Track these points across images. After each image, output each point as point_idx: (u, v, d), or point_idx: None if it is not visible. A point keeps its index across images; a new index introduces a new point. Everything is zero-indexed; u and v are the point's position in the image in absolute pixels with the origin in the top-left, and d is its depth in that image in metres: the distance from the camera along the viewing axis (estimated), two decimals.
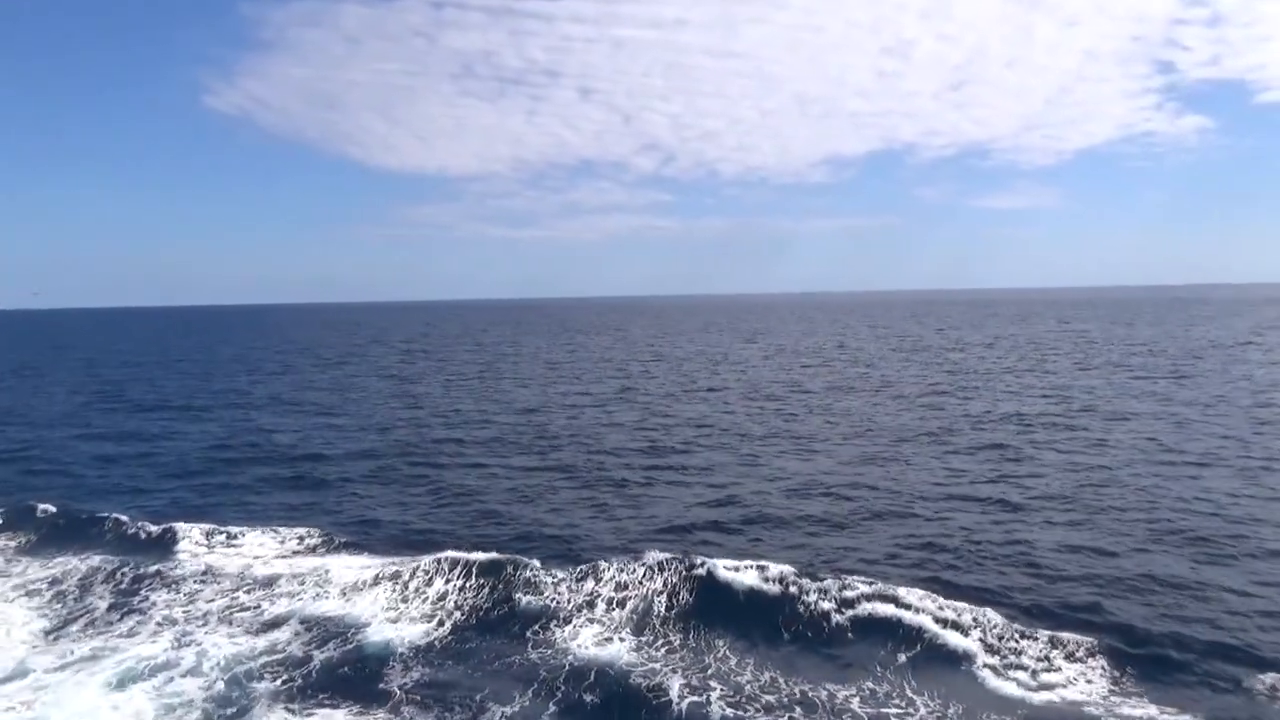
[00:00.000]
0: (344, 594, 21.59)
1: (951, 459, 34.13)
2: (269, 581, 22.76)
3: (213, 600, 21.47)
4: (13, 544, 27.22)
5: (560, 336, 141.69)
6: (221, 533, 27.05)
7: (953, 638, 17.97)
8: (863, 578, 20.64)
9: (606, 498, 30.62)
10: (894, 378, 62.69)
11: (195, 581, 22.85)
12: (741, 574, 21.22)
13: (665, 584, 20.83)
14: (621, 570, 21.49)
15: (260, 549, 25.65)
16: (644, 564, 21.60)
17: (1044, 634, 17.92)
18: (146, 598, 21.58)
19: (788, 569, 21.11)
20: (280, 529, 27.47)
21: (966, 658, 17.34)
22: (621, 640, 18.71)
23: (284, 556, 24.72)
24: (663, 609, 20.00)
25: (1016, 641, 17.79)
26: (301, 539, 26.42)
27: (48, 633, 19.97)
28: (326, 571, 23.00)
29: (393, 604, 21.04)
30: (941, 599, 19.35)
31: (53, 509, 29.53)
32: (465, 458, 37.90)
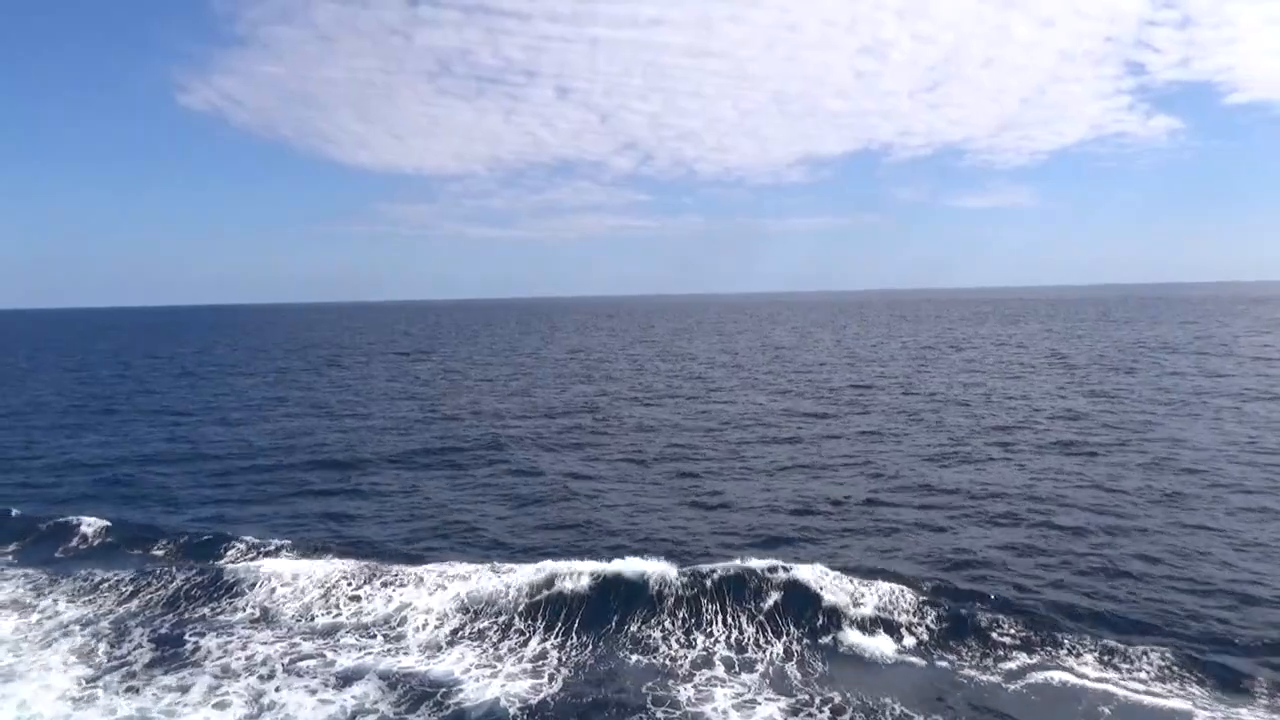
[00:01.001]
0: (422, 639, 19.27)
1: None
2: (330, 616, 20.43)
3: (270, 644, 18.95)
4: (40, 566, 24.76)
5: (584, 333, 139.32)
6: (263, 550, 24.76)
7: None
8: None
9: (678, 505, 28.96)
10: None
11: (248, 619, 20.39)
12: (864, 607, 19.37)
13: (789, 628, 18.92)
14: (736, 608, 19.55)
15: (309, 568, 23.22)
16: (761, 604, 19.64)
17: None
18: (196, 643, 18.98)
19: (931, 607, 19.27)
20: (326, 545, 25.43)
21: None
22: (764, 704, 16.43)
23: (344, 581, 22.24)
24: (798, 658, 18.03)
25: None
26: (351, 555, 24.22)
27: (87, 683, 17.46)
28: (398, 609, 20.65)
29: (482, 649, 18.76)
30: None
31: (73, 522, 27.54)
32: (518, 460, 36.19)
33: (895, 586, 20.53)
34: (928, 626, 19.08)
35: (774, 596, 20.20)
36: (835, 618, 19.44)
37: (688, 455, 37.07)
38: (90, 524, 28.01)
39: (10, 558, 26.10)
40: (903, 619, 19.39)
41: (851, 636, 18.86)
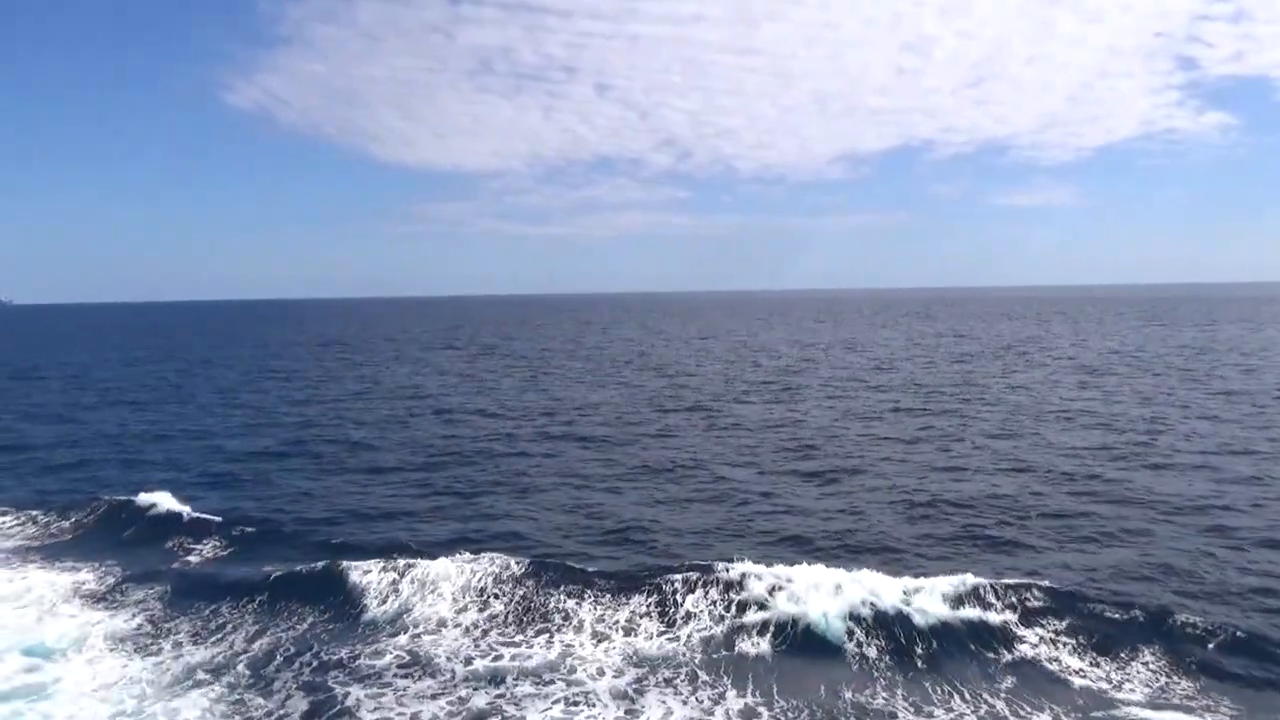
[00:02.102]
0: (605, 687, 16.51)
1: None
2: (489, 659, 17.74)
3: (435, 698, 16.22)
4: (154, 578, 22.59)
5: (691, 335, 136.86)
6: (391, 567, 22.18)
7: None
8: None
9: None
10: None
11: (396, 663, 17.68)
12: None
13: None
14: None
15: (451, 591, 20.84)
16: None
17: None
18: (346, 694, 16.42)
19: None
20: (464, 557, 22.75)
21: None
22: None
23: (497, 609, 19.71)
24: None
25: None
26: (498, 577, 21.59)
27: None
28: (561, 655, 17.97)
29: (682, 698, 15.99)
30: None
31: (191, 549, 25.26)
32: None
33: None
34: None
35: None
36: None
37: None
38: (201, 518, 27.44)
39: (119, 558, 24.37)
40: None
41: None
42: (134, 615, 20.25)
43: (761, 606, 19.69)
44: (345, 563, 22.58)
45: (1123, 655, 17.53)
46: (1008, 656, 17.56)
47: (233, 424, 47.40)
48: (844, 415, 46.65)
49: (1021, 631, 18.50)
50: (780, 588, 20.12)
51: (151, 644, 18.79)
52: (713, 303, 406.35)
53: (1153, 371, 63.92)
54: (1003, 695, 16.11)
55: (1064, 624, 18.73)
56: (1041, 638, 18.28)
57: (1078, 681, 16.65)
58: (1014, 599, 19.62)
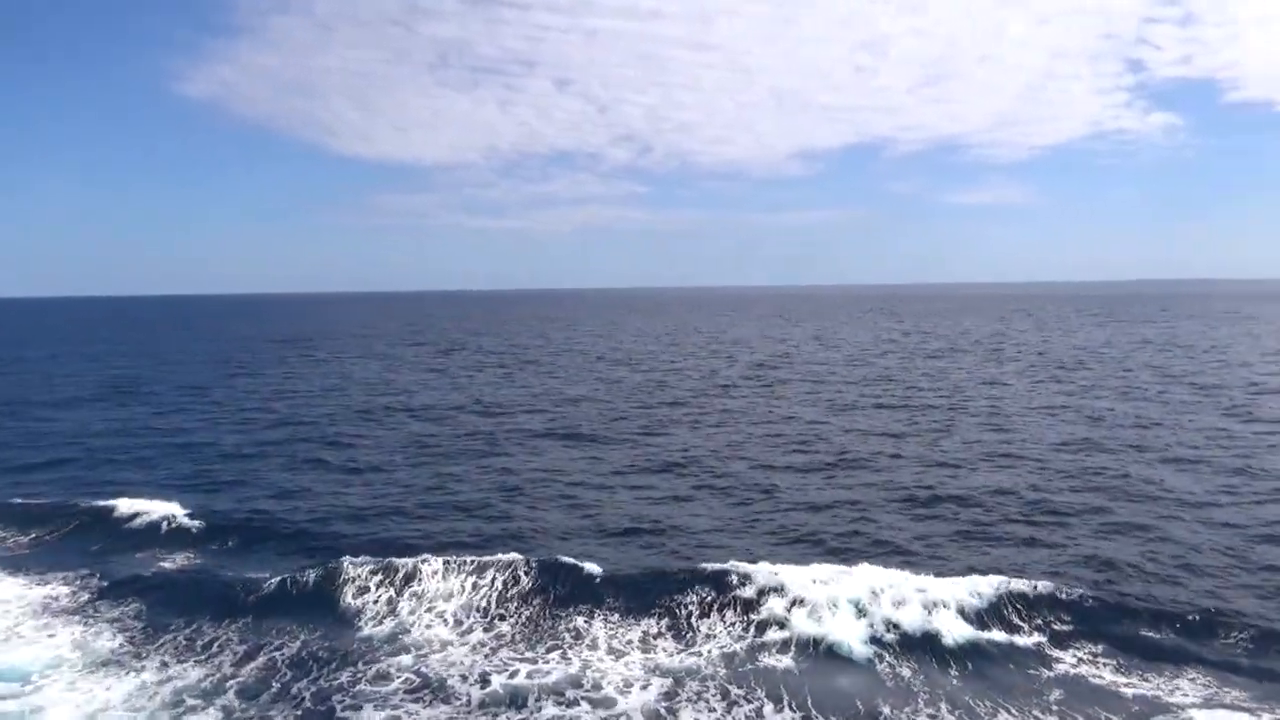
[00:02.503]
0: (635, 703, 15.51)
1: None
2: (507, 676, 16.61)
3: None
4: (133, 591, 21.11)
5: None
6: (388, 580, 21.01)
7: None
8: None
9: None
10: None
11: (405, 687, 16.40)
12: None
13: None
14: None
15: (453, 605, 19.80)
16: None
17: None
18: None
19: None
20: (462, 562, 21.65)
21: None
22: None
23: (502, 627, 18.61)
24: None
25: None
26: (499, 582, 20.62)
27: None
28: (580, 668, 16.93)
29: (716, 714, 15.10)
30: None
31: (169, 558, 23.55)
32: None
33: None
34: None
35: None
36: None
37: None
38: (179, 523, 26.14)
39: (93, 568, 22.67)
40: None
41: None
42: (113, 633, 18.80)
43: (780, 612, 18.97)
44: (337, 571, 21.35)
45: (1162, 656, 17.09)
46: (1047, 670, 16.92)
47: (203, 422, 45.48)
48: (829, 410, 46.20)
49: (1055, 637, 17.95)
50: (797, 593, 19.43)
51: (134, 665, 17.36)
52: (675, 298, 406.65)
53: (1124, 366, 64.52)
54: (1052, 708, 15.42)
55: (1093, 624, 18.35)
56: (1073, 640, 17.77)
57: (1122, 684, 16.06)
58: (1040, 603, 19.13)
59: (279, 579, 21.39)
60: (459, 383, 61.93)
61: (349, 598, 20.45)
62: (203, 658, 17.81)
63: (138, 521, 26.20)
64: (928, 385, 55.64)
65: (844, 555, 22.57)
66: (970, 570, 20.97)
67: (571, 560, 21.88)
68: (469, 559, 21.96)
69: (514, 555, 22.06)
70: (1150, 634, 18.00)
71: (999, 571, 20.78)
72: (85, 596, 20.82)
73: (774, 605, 19.21)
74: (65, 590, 21.21)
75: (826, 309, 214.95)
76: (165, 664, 17.40)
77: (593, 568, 21.47)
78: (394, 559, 22.11)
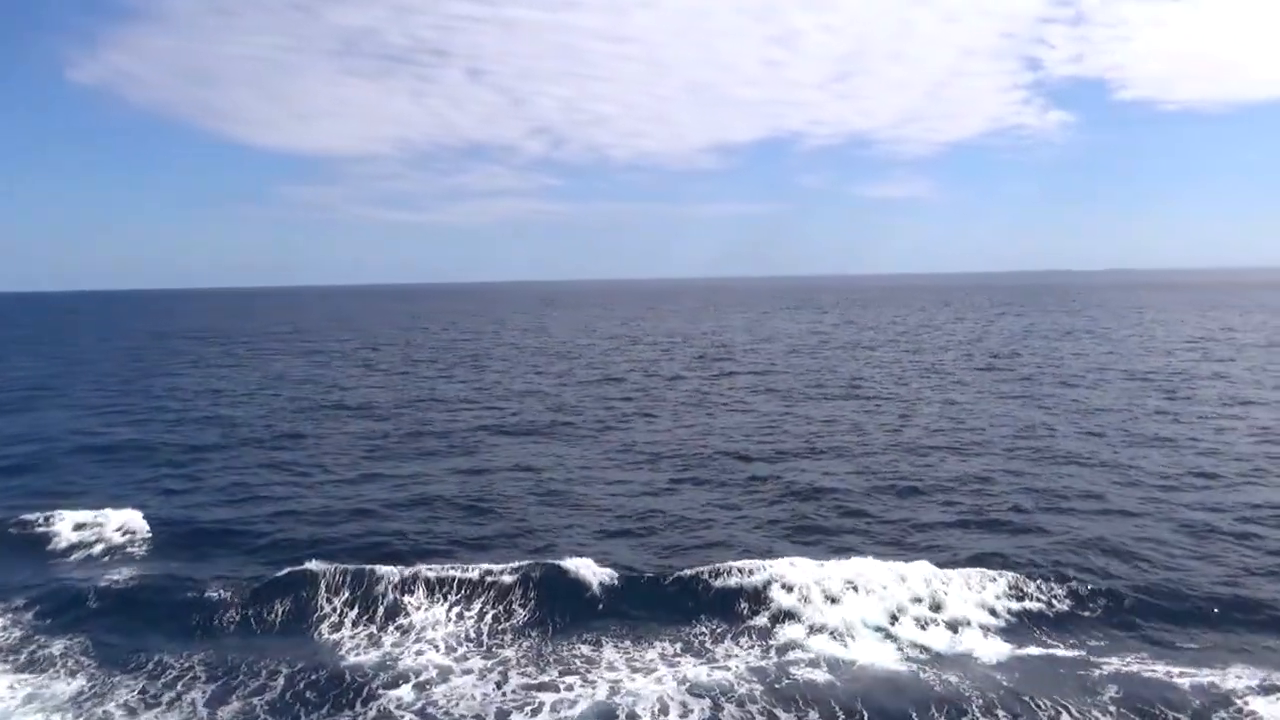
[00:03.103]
0: None
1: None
2: (527, 715, 15.15)
3: None
4: (81, 616, 18.82)
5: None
6: (365, 591, 19.33)
7: None
8: None
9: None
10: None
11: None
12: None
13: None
14: None
15: (442, 631, 18.16)
16: None
17: None
18: None
19: None
20: (443, 570, 20.22)
21: None
22: None
23: (502, 639, 17.07)
24: None
25: None
26: (485, 590, 19.28)
27: None
28: (609, 693, 15.53)
29: None
30: None
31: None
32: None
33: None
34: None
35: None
36: None
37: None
38: (117, 539, 23.68)
39: (28, 596, 19.99)
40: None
41: None
42: (65, 676, 16.44)
43: (802, 612, 18.18)
44: (308, 584, 19.66)
45: (1195, 640, 16.88)
46: (1102, 666, 16.34)
47: (131, 424, 42.04)
48: (786, 399, 45.77)
49: (1084, 627, 17.52)
50: (813, 589, 18.69)
51: (94, 713, 15.18)
52: (597, 291, 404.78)
53: (1056, 355, 66.25)
54: (1109, 710, 14.78)
55: (1119, 614, 18.11)
56: (1104, 630, 17.35)
57: (1175, 674, 15.50)
58: (1060, 590, 18.81)
59: (243, 598, 19.41)
60: (394, 379, 59.29)
61: (325, 615, 18.65)
62: (171, 696, 15.71)
63: (77, 536, 23.57)
64: (876, 375, 55.85)
65: (839, 544, 22.08)
66: (976, 560, 20.57)
67: (565, 565, 20.45)
68: (454, 570, 20.37)
69: (505, 565, 20.54)
70: (1177, 619, 17.86)
71: (1000, 556, 20.70)
72: (23, 632, 18.32)
73: (792, 604, 18.39)
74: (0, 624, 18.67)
75: (751, 301, 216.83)
76: (132, 709, 15.24)
77: (587, 573, 20.12)
78: (370, 567, 20.35)
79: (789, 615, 18.26)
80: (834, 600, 18.51)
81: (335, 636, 18.23)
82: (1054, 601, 18.65)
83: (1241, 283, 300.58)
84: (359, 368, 67.41)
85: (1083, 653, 16.72)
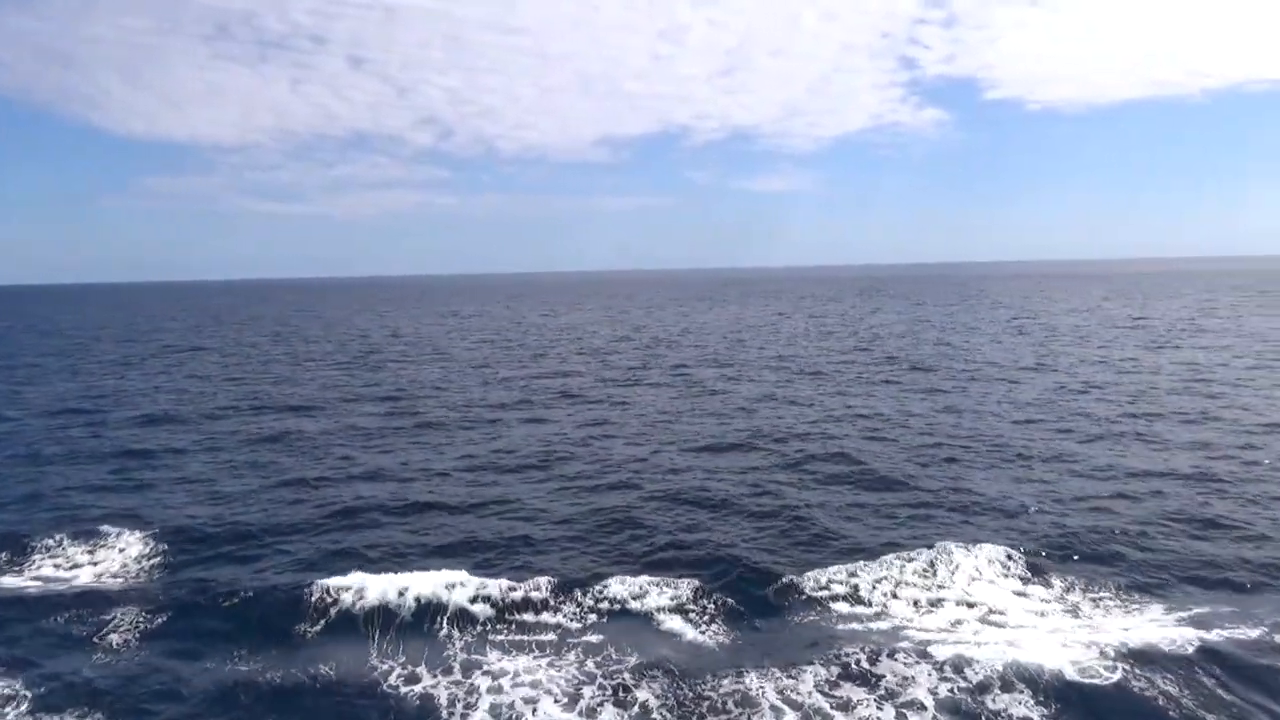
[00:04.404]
0: None
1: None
2: None
3: None
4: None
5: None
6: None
7: None
8: None
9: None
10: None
11: None
12: None
13: None
14: None
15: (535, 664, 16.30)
16: None
17: None
18: None
19: None
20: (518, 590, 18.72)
21: None
22: None
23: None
24: None
25: None
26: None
27: None
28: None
29: None
30: None
31: None
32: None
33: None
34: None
35: None
36: None
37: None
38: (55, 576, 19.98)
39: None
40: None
41: None
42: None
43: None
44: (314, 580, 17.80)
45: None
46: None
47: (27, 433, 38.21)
48: (743, 400, 45.70)
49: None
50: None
51: None
52: (492, 286, 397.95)
53: (985, 344, 68.86)
54: None
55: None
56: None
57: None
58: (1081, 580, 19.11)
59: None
60: (323, 376, 56.38)
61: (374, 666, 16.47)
62: None
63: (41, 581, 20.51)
64: (830, 368, 56.62)
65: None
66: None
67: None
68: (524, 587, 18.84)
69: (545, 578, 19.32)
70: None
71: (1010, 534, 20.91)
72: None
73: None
74: None
75: (655, 295, 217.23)
76: None
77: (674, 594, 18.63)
78: (408, 593, 18.33)
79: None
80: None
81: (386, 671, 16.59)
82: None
83: (1080, 274, 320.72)
84: (272, 364, 63.64)
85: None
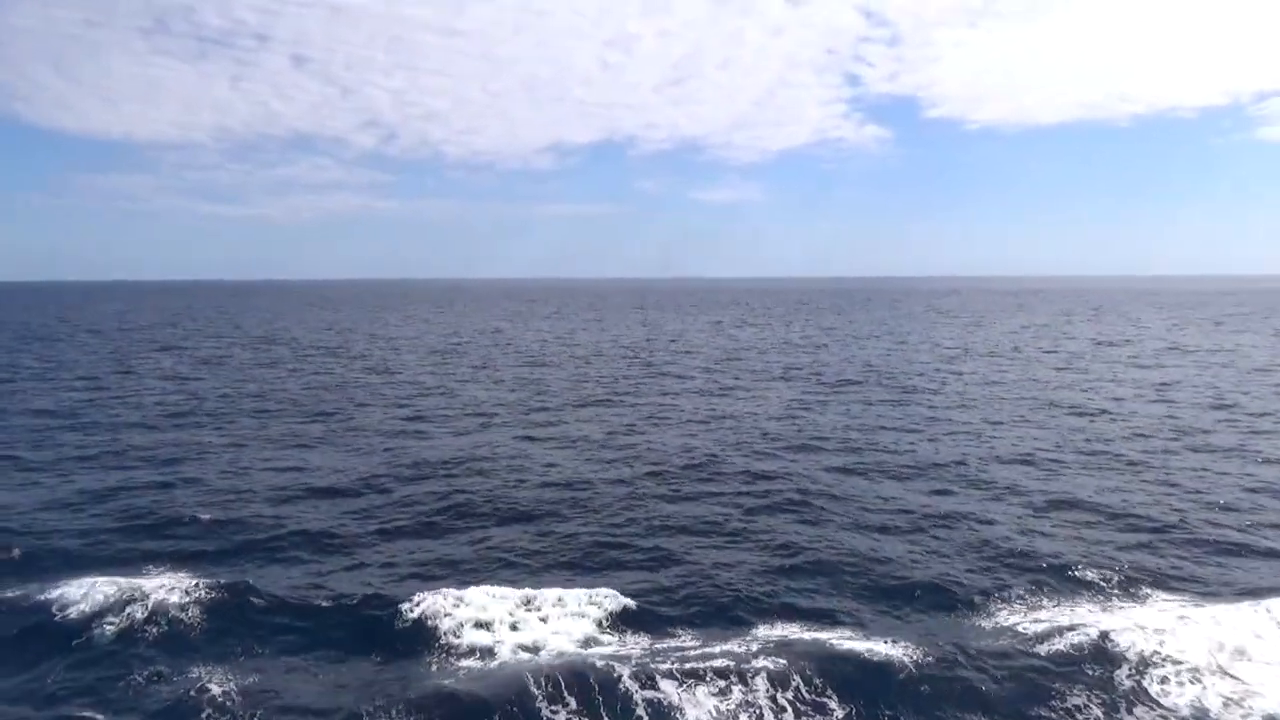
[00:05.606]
0: None
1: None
2: None
3: None
4: None
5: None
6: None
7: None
8: None
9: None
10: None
11: None
12: None
13: None
14: None
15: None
16: None
17: None
18: None
19: None
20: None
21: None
22: None
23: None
24: None
25: None
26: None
27: None
28: None
29: None
30: None
31: None
32: None
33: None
34: None
35: None
36: None
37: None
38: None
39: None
40: None
41: None
42: None
43: None
44: (420, 595, 17.55)
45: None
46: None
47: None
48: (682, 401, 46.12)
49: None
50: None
51: None
52: (433, 290, 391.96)
53: (940, 361, 70.58)
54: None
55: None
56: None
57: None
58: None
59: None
60: (306, 377, 55.12)
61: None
62: None
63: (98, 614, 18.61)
64: (808, 375, 57.38)
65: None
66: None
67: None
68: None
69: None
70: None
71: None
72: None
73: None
74: None
75: (602, 304, 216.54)
76: None
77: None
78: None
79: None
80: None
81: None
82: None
83: (1012, 289, 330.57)
84: (209, 372, 61.94)
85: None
